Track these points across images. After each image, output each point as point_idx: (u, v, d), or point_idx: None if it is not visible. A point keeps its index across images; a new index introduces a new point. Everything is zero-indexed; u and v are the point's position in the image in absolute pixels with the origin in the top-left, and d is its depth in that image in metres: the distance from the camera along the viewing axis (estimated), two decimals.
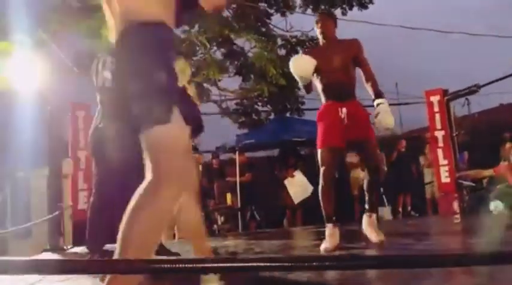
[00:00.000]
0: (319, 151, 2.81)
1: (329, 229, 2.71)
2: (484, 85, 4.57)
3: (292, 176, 6.78)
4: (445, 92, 4.74)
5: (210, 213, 6.84)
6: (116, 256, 1.20)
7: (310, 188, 6.63)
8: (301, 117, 9.71)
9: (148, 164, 1.22)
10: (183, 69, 1.53)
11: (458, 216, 4.36)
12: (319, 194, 2.79)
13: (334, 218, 2.74)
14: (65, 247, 3.82)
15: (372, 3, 9.03)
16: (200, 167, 7.02)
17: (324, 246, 2.65)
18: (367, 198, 2.90)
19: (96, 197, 2.78)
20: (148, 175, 1.22)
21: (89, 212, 2.81)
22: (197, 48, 9.48)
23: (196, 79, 9.39)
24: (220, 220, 7.20)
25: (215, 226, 6.85)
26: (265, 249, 3.11)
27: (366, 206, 2.90)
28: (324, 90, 2.94)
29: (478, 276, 1.80)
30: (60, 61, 5.65)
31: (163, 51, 1.26)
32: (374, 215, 2.87)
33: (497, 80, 4.42)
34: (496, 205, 3.72)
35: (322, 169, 2.75)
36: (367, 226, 2.83)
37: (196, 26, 8.76)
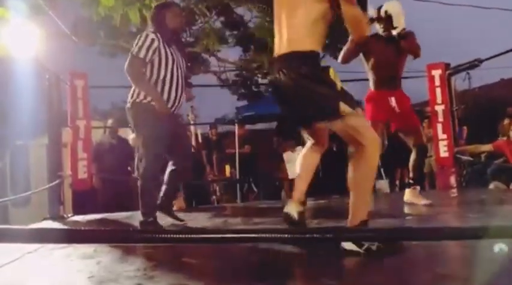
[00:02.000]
0: None
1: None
2: (485, 60, 4.51)
3: (293, 150, 6.79)
4: (446, 66, 4.69)
5: (209, 184, 6.89)
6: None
7: None
8: None
9: (351, 141, 1.98)
10: (334, 76, 2.00)
11: (455, 190, 4.40)
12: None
13: None
14: (65, 216, 3.85)
15: None
16: (199, 139, 7.03)
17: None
18: (411, 174, 3.44)
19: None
20: (353, 147, 1.98)
21: (142, 180, 2.89)
22: (196, 17, 9.31)
23: (195, 49, 9.28)
24: (219, 191, 7.27)
25: (213, 197, 6.92)
26: (264, 221, 3.15)
27: (410, 181, 3.44)
28: (376, 80, 3.35)
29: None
30: (58, 29, 5.56)
31: (322, 73, 2.00)
32: (418, 188, 3.43)
33: (498, 55, 4.36)
34: None
35: None
36: (413, 196, 3.38)
37: None
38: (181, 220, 3.12)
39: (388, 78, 3.31)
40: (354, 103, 1.98)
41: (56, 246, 2.37)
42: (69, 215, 3.96)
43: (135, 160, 6.13)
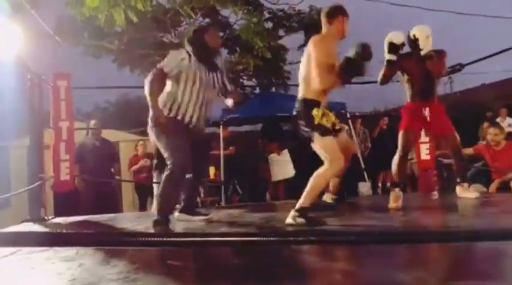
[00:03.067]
0: (400, 132, 3.65)
1: (396, 192, 3.51)
2: (467, 65, 4.60)
3: (279, 153, 6.82)
4: None
5: None
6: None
7: (291, 172, 6.72)
8: (287, 92, 9.68)
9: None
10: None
11: (436, 193, 4.47)
12: (395, 162, 3.61)
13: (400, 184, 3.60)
14: (46, 218, 3.80)
15: None
16: None
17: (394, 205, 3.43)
18: (458, 176, 3.82)
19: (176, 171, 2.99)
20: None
21: (166, 184, 3.00)
22: (182, 19, 9.29)
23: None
24: (203, 193, 7.25)
25: (197, 199, 6.89)
26: (248, 222, 3.15)
27: (458, 180, 3.80)
28: (411, 92, 3.71)
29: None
30: (40, 29, 5.48)
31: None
32: (466, 184, 3.78)
33: (479, 60, 4.45)
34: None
35: (401, 145, 3.61)
36: (463, 191, 3.73)
37: None
38: (206, 215, 3.30)
39: (421, 90, 3.67)
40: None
41: (34, 249, 2.33)
42: (50, 217, 3.90)
43: (115, 162, 6.11)
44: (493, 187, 4.75)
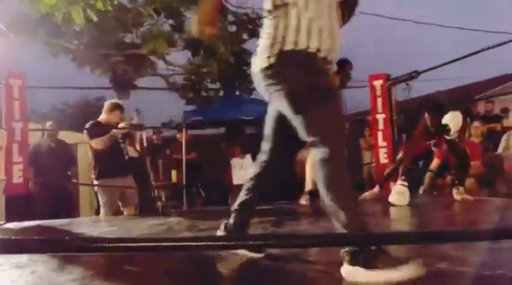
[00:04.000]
0: None
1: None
2: (422, 72, 4.77)
3: (242, 157, 6.82)
4: (387, 77, 4.91)
5: (154, 190, 6.75)
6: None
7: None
8: (251, 96, 9.68)
9: None
10: None
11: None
12: None
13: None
14: None
15: None
16: (144, 143, 6.87)
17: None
18: (456, 177, 4.03)
19: None
20: None
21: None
22: (144, 19, 9.12)
23: (142, 51, 9.08)
24: (164, 197, 7.14)
25: (159, 203, 6.78)
26: (209, 227, 3.12)
27: (456, 182, 3.96)
28: None
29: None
30: None
31: None
32: (461, 188, 3.92)
33: (435, 67, 4.62)
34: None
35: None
36: (459, 194, 3.85)
37: None
38: None
39: None
40: None
41: None
42: (1, 222, 3.72)
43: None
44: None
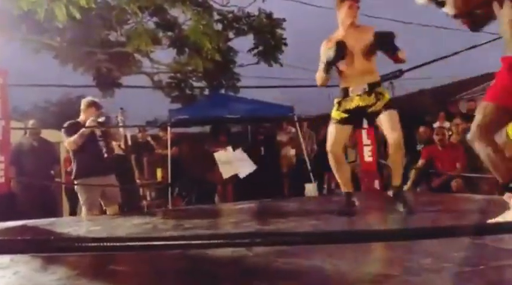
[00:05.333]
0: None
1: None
2: (406, 71, 4.81)
3: (225, 149, 6.79)
4: None
5: (139, 189, 6.71)
6: None
7: (239, 166, 6.71)
8: (236, 94, 9.67)
9: None
10: None
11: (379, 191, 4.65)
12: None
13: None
14: None
15: None
16: (129, 141, 6.81)
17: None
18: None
19: None
20: None
21: None
22: (128, 16, 9.04)
23: (126, 49, 9.00)
24: (150, 195, 7.09)
25: (144, 202, 6.74)
26: (195, 225, 3.12)
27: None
28: None
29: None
30: None
31: None
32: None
33: (417, 66, 4.67)
34: None
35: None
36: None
37: None
38: None
39: None
40: None
41: None
42: None
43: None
44: (436, 182, 5.09)
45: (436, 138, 5.40)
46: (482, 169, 4.33)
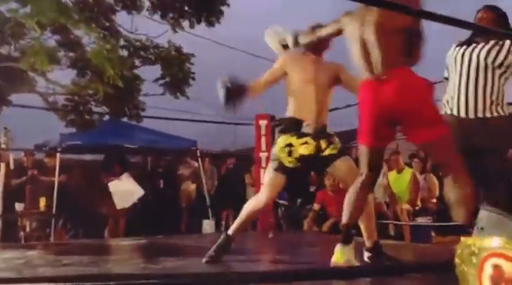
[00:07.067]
0: None
1: None
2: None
3: (119, 178, 6.45)
4: (272, 118, 5.12)
5: (18, 219, 6.06)
6: None
7: (136, 194, 6.39)
8: (140, 124, 9.33)
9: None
10: None
11: (272, 232, 4.72)
12: None
13: None
14: None
15: (219, 23, 9.26)
16: (11, 166, 6.20)
17: None
18: None
19: None
20: None
21: None
22: (25, 31, 8.41)
23: (20, 66, 8.30)
24: (30, 226, 6.42)
25: (21, 233, 6.07)
26: (74, 262, 2.85)
27: None
28: None
29: None
30: None
31: None
32: None
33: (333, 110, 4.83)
34: None
35: None
36: None
37: (28, 7, 7.77)
38: None
39: None
40: None
41: None
42: None
43: None
44: (326, 225, 5.28)
45: (327, 182, 5.59)
46: None
